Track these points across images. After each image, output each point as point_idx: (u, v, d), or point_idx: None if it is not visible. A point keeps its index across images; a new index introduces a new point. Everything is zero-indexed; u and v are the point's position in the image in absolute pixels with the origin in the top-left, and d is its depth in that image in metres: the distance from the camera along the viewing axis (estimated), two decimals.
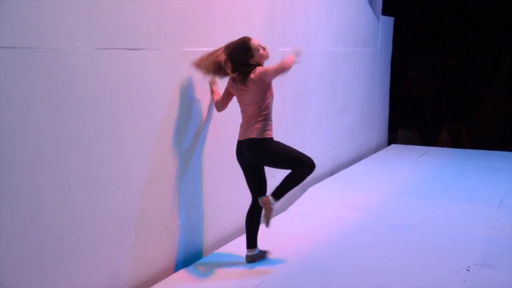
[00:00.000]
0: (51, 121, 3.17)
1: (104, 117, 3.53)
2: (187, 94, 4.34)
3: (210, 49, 4.56)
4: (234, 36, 4.51)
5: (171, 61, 4.15)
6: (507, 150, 10.80)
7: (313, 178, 6.85)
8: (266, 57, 4.22)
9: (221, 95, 4.44)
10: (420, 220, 5.50)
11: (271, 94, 4.25)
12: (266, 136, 4.20)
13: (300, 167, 4.29)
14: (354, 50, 7.88)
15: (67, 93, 3.25)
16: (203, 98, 4.55)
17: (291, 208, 6.02)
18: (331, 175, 7.31)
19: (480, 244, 4.82)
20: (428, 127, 12.48)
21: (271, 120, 4.27)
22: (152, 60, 3.94)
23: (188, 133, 4.41)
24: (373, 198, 6.18)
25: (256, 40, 4.22)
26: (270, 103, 4.24)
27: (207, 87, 4.56)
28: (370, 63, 8.62)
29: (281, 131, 5.85)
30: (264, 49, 4.20)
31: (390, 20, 9.53)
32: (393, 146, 9.50)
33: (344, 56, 7.56)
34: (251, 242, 4.41)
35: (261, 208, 4.31)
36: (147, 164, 3.97)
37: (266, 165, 4.39)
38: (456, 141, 11.75)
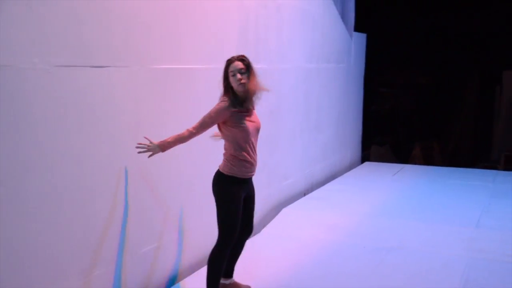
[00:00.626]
0: (5, 144, 2.90)
1: (64, 139, 3.28)
2: (155, 113, 4.11)
3: (179, 66, 4.35)
4: (205, 53, 4.33)
5: (139, 79, 3.92)
6: (478, 167, 10.82)
7: (287, 198, 6.67)
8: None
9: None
10: (398, 242, 5.34)
11: None
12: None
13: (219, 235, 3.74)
14: (328, 66, 7.76)
15: (23, 114, 2.99)
16: (173, 117, 4.32)
17: (265, 231, 5.80)
18: (304, 194, 7.13)
19: (460, 267, 4.68)
20: (401, 144, 12.46)
21: None
22: (118, 78, 3.71)
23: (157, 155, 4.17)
24: (349, 219, 6.01)
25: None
26: None
27: (177, 105, 4.34)
28: (343, 80, 8.52)
29: None
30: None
31: (362, 37, 9.47)
32: (366, 163, 9.39)
33: (318, 72, 7.43)
34: (227, 271, 3.99)
35: (244, 239, 3.94)
36: (111, 189, 3.71)
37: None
38: (428, 158, 11.74)
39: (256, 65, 5.50)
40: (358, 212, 6.23)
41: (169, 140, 3.58)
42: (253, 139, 3.70)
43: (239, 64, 3.61)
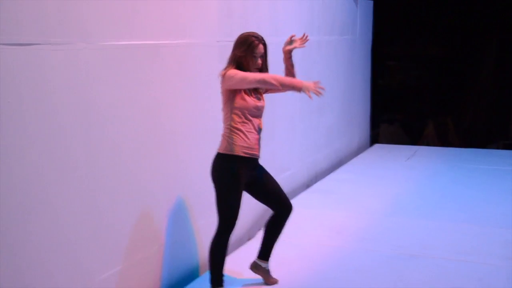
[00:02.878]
0: None
1: None
2: (109, 102, 3.20)
3: (142, 42, 3.44)
4: (175, 26, 3.44)
5: (84, 59, 3.00)
6: (497, 145, 9.88)
7: (287, 192, 5.74)
8: None
9: None
10: (419, 247, 4.45)
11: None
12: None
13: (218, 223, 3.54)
14: (330, 39, 6.78)
15: None
16: (133, 105, 3.41)
17: (261, 234, 4.91)
18: (307, 187, 6.23)
19: (499, 281, 3.78)
20: (412, 121, 11.48)
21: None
22: (53, 59, 2.80)
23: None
24: (359, 218, 5.11)
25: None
26: None
27: (139, 91, 3.43)
28: (349, 54, 7.54)
29: None
30: None
31: (369, 4, 8.46)
32: (376, 146, 8.46)
33: (319, 46, 6.46)
34: (264, 253, 3.83)
35: (283, 218, 3.76)
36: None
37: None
38: (442, 136, 10.78)
39: None
40: (368, 209, 5.33)
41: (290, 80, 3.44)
42: (256, 115, 3.45)
43: (262, 48, 3.46)
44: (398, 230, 4.80)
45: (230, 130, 3.41)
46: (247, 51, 3.38)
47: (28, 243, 2.74)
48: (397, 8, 10.70)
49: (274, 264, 4.19)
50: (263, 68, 3.51)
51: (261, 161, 5.08)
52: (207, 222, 4.20)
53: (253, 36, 3.43)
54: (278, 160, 5.55)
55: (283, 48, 3.71)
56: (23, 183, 2.69)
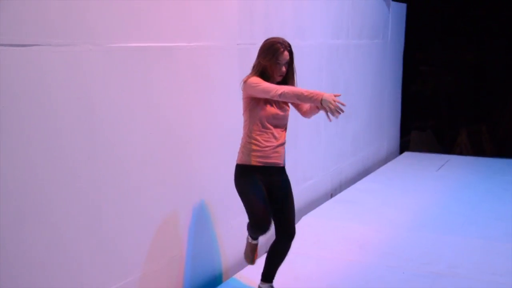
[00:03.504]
0: None
1: None
2: (118, 106, 3.04)
3: (154, 44, 3.29)
4: (194, 30, 3.29)
5: (90, 61, 2.84)
6: None
7: (309, 202, 5.54)
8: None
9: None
10: (446, 266, 4.17)
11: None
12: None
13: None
14: (359, 43, 6.53)
15: None
16: (142, 110, 3.24)
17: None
18: (331, 196, 5.99)
19: None
20: (445, 129, 11.10)
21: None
22: (55, 60, 2.65)
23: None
24: (384, 232, 4.85)
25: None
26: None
27: (148, 96, 3.27)
28: (378, 58, 7.27)
29: None
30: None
31: (402, 7, 8.16)
32: (406, 154, 8.14)
33: (347, 50, 6.22)
34: (265, 274, 3.62)
35: (282, 244, 3.55)
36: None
37: None
38: (476, 145, 10.38)
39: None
40: (394, 222, 5.06)
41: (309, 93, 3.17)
42: (275, 125, 3.33)
43: (287, 55, 3.30)
44: (425, 246, 4.52)
45: (247, 139, 3.34)
46: (272, 59, 3.25)
47: (24, 246, 2.59)
48: (431, 11, 10.36)
49: (290, 279, 3.98)
50: (289, 76, 3.36)
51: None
52: (228, 228, 4.08)
53: (278, 42, 3.29)
54: (300, 169, 5.33)
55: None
56: (22, 188, 2.54)
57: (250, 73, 3.30)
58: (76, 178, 2.81)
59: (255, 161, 3.30)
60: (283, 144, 3.38)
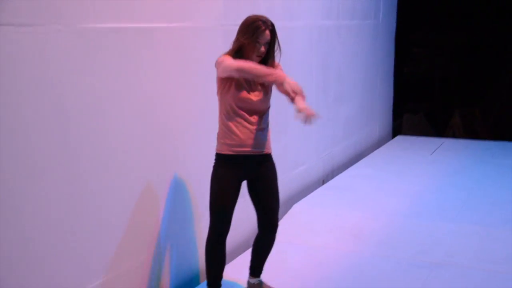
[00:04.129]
0: None
1: None
2: (89, 93, 2.82)
3: (133, 25, 3.07)
4: (176, 9, 3.07)
5: (59, 43, 2.62)
6: None
7: (301, 189, 5.36)
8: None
9: None
10: (443, 255, 4.01)
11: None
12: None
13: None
14: (350, 24, 6.31)
15: None
16: (121, 97, 3.02)
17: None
18: (323, 182, 5.81)
19: None
20: (437, 111, 10.92)
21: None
22: (22, 41, 2.42)
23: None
24: (378, 219, 4.68)
25: None
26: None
27: (124, 81, 3.04)
28: (371, 40, 7.05)
29: None
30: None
31: None
32: (398, 138, 7.96)
33: (338, 31, 6.00)
34: (252, 268, 3.44)
35: (265, 236, 3.34)
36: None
37: None
38: (469, 127, 10.21)
39: None
40: (388, 209, 4.89)
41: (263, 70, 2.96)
42: (248, 110, 3.06)
43: (268, 35, 3.04)
44: (420, 234, 4.36)
45: (220, 125, 3.14)
46: (251, 38, 2.99)
47: None
48: None
49: (280, 270, 3.80)
50: (269, 57, 3.09)
51: (274, 155, 4.68)
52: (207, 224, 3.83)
53: (260, 20, 3.02)
54: (291, 154, 5.14)
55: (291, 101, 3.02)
56: None
57: (226, 52, 3.06)
58: (44, 172, 2.60)
59: (227, 150, 3.08)
60: (261, 129, 3.11)
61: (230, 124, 3.06)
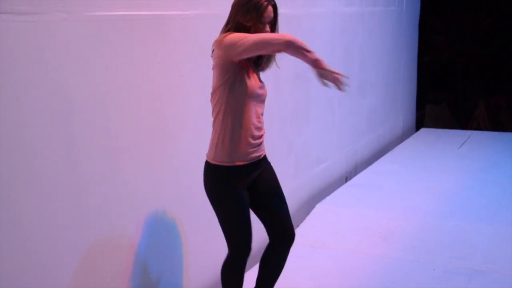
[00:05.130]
0: None
1: None
2: (100, 85, 2.53)
3: (143, 13, 2.77)
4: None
5: (65, 32, 2.33)
6: None
7: (323, 187, 5.05)
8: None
9: None
10: (482, 260, 3.70)
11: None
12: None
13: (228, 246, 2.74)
14: (373, 10, 5.96)
15: None
16: (135, 89, 2.73)
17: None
18: (346, 180, 5.50)
19: None
20: (460, 102, 10.52)
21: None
22: (19, 31, 2.14)
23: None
24: (408, 220, 4.37)
25: None
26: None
27: (135, 74, 2.75)
28: (394, 27, 6.70)
29: (276, 130, 4.06)
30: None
31: None
32: (422, 131, 7.62)
33: (361, 18, 5.66)
34: None
35: (279, 250, 2.77)
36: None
37: None
38: (495, 118, 9.81)
39: None
40: (418, 209, 4.57)
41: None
42: (257, 107, 2.61)
43: (271, 12, 2.56)
44: (456, 237, 4.04)
45: (225, 129, 2.56)
46: (255, 18, 2.49)
47: None
48: None
49: (302, 277, 3.51)
50: None
51: (293, 154, 4.36)
52: (200, 242, 3.29)
53: None
54: (313, 151, 4.83)
55: (316, 70, 2.59)
56: None
57: (222, 35, 2.52)
58: (47, 171, 2.32)
59: (240, 160, 2.56)
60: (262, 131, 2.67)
61: (248, 125, 2.54)
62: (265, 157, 2.73)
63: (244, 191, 2.64)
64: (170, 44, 2.97)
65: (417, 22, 7.65)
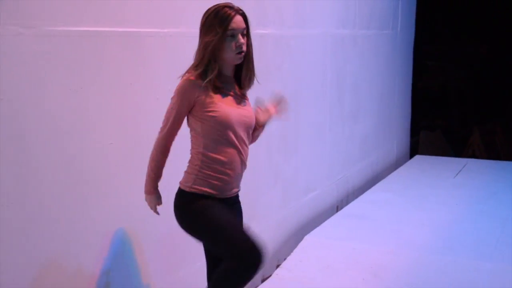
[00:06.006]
0: None
1: None
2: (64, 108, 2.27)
3: (116, 29, 2.54)
4: (169, 13, 2.56)
5: (24, 48, 2.08)
6: None
7: (312, 217, 4.79)
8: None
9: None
10: None
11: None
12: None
13: (230, 259, 2.32)
14: (367, 33, 5.77)
15: None
16: (96, 115, 2.48)
17: (278, 273, 3.96)
18: (337, 209, 5.23)
19: None
20: (455, 128, 10.33)
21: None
22: None
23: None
24: (402, 255, 4.09)
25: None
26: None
27: (102, 96, 2.50)
28: (388, 51, 6.50)
29: (263, 157, 3.81)
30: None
31: None
32: (417, 158, 7.37)
33: (354, 41, 5.45)
34: None
35: (241, 270, 2.33)
36: None
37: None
38: (490, 145, 9.60)
39: (260, 30, 3.63)
40: (413, 242, 4.29)
41: (149, 181, 2.43)
42: (240, 135, 2.38)
43: (241, 21, 2.30)
44: (453, 275, 3.76)
45: (206, 157, 2.36)
46: (221, 30, 2.25)
47: None
48: (442, 0, 9.59)
49: None
50: (250, 50, 2.37)
51: (280, 182, 4.17)
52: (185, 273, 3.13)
53: (225, 6, 2.31)
54: (302, 178, 4.58)
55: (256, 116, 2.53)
56: None
57: (190, 67, 2.35)
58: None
59: (219, 191, 2.37)
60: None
61: (222, 157, 2.34)
62: (237, 196, 2.50)
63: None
64: (145, 64, 2.73)
65: (411, 46, 7.47)
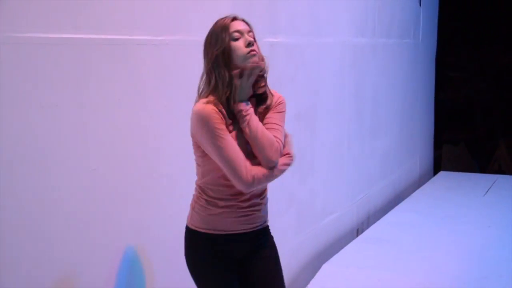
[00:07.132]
0: None
1: None
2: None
3: (105, 37, 2.19)
4: (164, 20, 2.23)
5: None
6: None
7: (331, 243, 4.39)
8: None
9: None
10: None
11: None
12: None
13: None
14: (387, 42, 5.39)
15: None
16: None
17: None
18: (358, 233, 4.83)
19: None
20: (479, 142, 9.87)
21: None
22: None
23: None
24: (432, 284, 3.67)
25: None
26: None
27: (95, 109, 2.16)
28: (410, 61, 6.11)
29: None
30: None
31: (434, 3, 7.02)
32: (442, 174, 6.93)
33: (374, 50, 5.08)
34: None
35: None
36: None
37: None
38: None
39: (270, 38, 3.29)
40: (447, 272, 3.86)
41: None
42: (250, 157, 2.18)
43: (240, 24, 2.12)
44: None
45: (207, 189, 2.14)
46: (225, 37, 2.06)
47: None
48: (465, 7, 9.20)
49: None
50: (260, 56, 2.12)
51: (295, 206, 3.80)
52: None
53: (222, 19, 2.13)
54: (319, 201, 4.19)
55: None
56: None
57: (200, 93, 2.10)
58: None
59: (228, 228, 2.13)
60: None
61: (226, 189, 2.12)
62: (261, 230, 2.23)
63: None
64: (136, 76, 2.39)
65: (433, 56, 7.08)
